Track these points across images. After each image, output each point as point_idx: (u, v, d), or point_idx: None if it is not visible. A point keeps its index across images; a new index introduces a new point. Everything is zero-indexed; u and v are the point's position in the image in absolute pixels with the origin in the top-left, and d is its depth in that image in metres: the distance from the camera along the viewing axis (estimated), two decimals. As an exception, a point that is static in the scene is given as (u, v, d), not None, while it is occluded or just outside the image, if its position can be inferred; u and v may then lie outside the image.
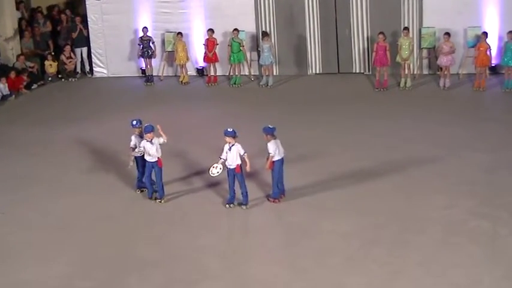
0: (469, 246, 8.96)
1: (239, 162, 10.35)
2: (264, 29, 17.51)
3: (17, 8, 19.59)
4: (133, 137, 11.10)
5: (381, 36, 15.98)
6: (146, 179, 10.70)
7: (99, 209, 11.19)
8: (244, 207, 10.56)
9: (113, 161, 12.78)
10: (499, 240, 9.12)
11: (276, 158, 10.49)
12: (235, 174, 10.38)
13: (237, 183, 10.56)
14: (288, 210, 10.67)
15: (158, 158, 10.55)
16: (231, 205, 10.74)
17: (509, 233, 9.30)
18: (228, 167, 10.45)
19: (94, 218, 10.69)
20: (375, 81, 16.30)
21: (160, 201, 10.87)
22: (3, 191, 11.78)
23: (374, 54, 16.14)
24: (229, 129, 10.61)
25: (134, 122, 11.06)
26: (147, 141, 10.45)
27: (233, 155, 10.36)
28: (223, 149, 10.70)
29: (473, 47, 16.11)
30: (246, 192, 10.53)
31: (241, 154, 10.39)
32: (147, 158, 10.51)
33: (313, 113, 14.89)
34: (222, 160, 10.50)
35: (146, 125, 10.58)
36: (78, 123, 15.08)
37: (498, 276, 8.23)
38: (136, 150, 10.71)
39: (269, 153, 10.42)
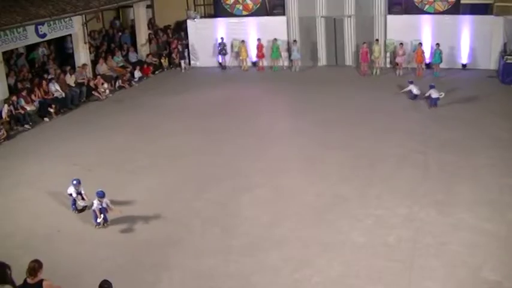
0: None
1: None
2: (294, 38, 21.57)
3: (148, 28, 23.51)
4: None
5: (364, 44, 20.35)
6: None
7: (190, 144, 13.91)
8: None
9: (198, 115, 16.20)
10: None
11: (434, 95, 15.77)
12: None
13: None
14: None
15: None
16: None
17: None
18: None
19: (189, 150, 13.73)
20: (359, 70, 20.64)
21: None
22: (138, 134, 14.89)
23: (360, 54, 20.52)
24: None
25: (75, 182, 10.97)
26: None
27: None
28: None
29: (414, 51, 20.15)
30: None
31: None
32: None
33: (321, 87, 18.80)
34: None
35: (98, 190, 10.26)
36: (180, 93, 18.65)
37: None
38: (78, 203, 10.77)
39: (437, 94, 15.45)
